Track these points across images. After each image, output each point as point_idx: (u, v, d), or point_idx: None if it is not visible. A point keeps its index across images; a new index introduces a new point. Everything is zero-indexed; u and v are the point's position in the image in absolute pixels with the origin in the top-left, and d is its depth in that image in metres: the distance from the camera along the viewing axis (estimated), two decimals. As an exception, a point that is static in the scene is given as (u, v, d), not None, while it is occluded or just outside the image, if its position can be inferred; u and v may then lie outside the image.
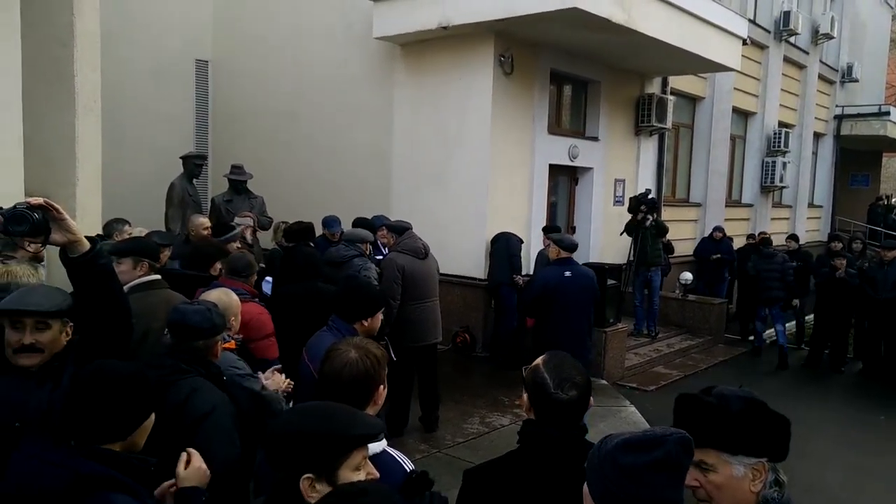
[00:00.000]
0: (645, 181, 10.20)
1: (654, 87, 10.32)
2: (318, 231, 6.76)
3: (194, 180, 7.67)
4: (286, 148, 9.52)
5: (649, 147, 10.53)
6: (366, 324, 3.15)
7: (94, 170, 5.71)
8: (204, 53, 10.36)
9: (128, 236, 5.35)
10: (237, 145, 9.86)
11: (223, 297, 3.23)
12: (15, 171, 4.66)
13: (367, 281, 4.97)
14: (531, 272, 7.84)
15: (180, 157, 7.67)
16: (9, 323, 2.21)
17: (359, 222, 6.82)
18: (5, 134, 4.51)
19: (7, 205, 2.09)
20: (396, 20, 8.08)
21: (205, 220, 6.31)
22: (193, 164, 7.62)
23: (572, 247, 5.73)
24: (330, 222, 7.14)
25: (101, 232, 5.51)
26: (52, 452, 1.70)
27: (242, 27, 10.12)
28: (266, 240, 7.53)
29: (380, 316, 3.26)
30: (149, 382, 1.89)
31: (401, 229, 5.70)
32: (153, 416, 1.91)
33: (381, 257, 6.15)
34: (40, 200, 2.10)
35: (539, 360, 2.02)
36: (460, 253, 8.05)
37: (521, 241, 7.93)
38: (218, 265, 4.91)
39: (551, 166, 8.80)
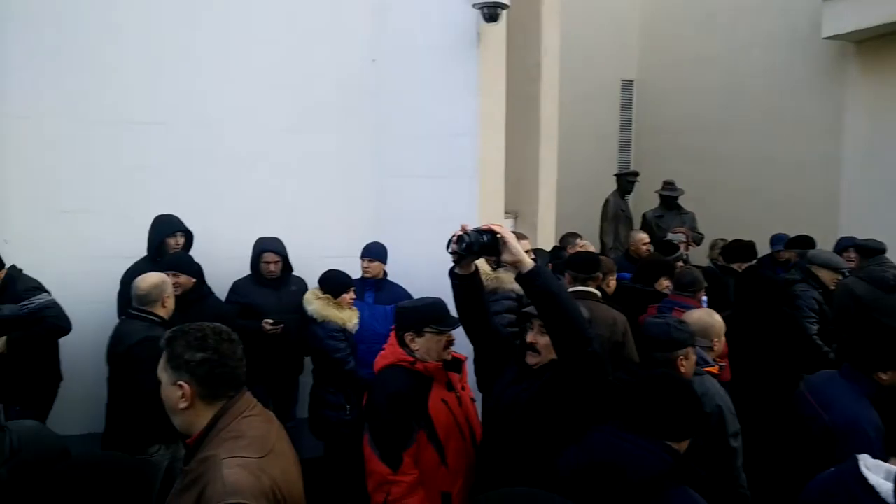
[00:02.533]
0: None
1: None
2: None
3: (626, 196, 8.01)
4: (716, 162, 9.25)
5: None
6: (885, 377, 2.73)
7: (551, 189, 6.39)
8: (629, 73, 10.76)
9: (580, 248, 5.80)
10: (660, 161, 9.96)
11: (705, 317, 3.28)
12: (499, 198, 5.46)
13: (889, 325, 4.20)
14: None
15: (614, 175, 8.10)
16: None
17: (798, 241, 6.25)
18: (495, 168, 5.32)
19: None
20: (851, 16, 7.21)
21: (644, 236, 6.55)
22: (626, 181, 7.97)
23: None
24: (777, 240, 6.73)
25: (557, 244, 6.14)
26: (642, 439, 1.93)
27: (670, 46, 10.22)
28: (698, 256, 7.45)
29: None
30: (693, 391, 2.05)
31: (871, 250, 5.01)
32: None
33: None
34: (489, 225, 2.33)
35: None
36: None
37: None
38: (665, 282, 5.04)
39: None
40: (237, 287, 4.69)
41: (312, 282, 4.63)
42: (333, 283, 4.45)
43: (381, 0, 5.25)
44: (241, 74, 5.03)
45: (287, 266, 4.72)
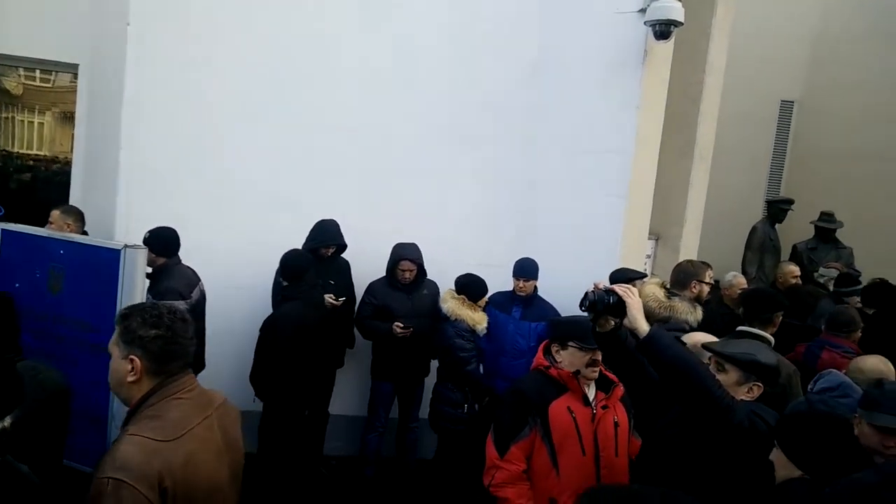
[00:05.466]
0: None
1: None
2: None
3: (776, 225, 7.59)
4: (880, 195, 8.54)
5: None
6: None
7: (698, 213, 6.20)
8: (791, 93, 10.14)
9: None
10: (816, 190, 9.33)
11: (880, 365, 3.09)
12: (645, 219, 5.35)
13: None
14: None
15: (766, 201, 7.69)
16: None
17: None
18: (645, 188, 5.22)
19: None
20: None
21: (794, 269, 6.21)
22: (778, 209, 7.56)
23: None
24: None
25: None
26: None
27: (841, 64, 9.52)
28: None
29: None
30: None
31: None
32: None
33: None
34: (617, 287, 2.39)
35: None
36: None
37: None
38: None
39: None
40: (372, 289, 4.89)
41: (446, 288, 4.77)
42: (472, 287, 4.59)
43: (549, 9, 5.25)
44: (402, 82, 5.21)
45: (421, 271, 4.84)
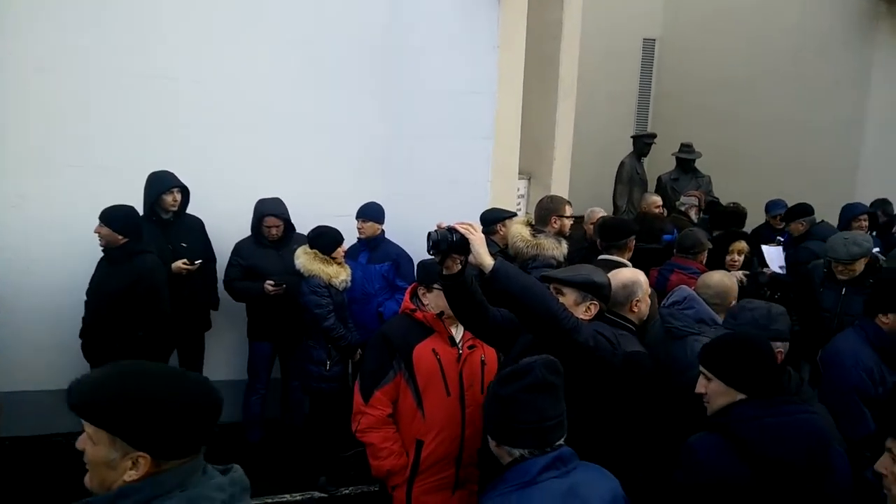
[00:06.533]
0: None
1: None
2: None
3: (643, 159, 7.93)
4: (737, 125, 9.08)
5: None
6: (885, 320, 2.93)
7: (567, 151, 6.34)
8: (652, 32, 10.51)
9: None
10: (679, 123, 9.81)
11: (724, 279, 3.29)
12: (513, 159, 5.42)
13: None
14: None
15: (631, 137, 8.00)
16: None
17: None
18: (512, 128, 5.26)
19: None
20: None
21: (657, 199, 6.50)
22: (643, 143, 7.89)
23: None
24: (773, 206, 6.68)
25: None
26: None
27: (696, 3, 9.94)
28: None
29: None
30: None
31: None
32: None
33: None
34: (459, 225, 2.32)
35: None
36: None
37: None
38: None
39: None
40: (239, 249, 4.70)
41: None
42: (323, 239, 4.37)
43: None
44: (253, 28, 4.93)
45: (289, 226, 4.68)
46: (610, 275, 2.80)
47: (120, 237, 3.98)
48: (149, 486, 1.38)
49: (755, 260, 5.54)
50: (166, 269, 4.29)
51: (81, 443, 1.44)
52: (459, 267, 2.40)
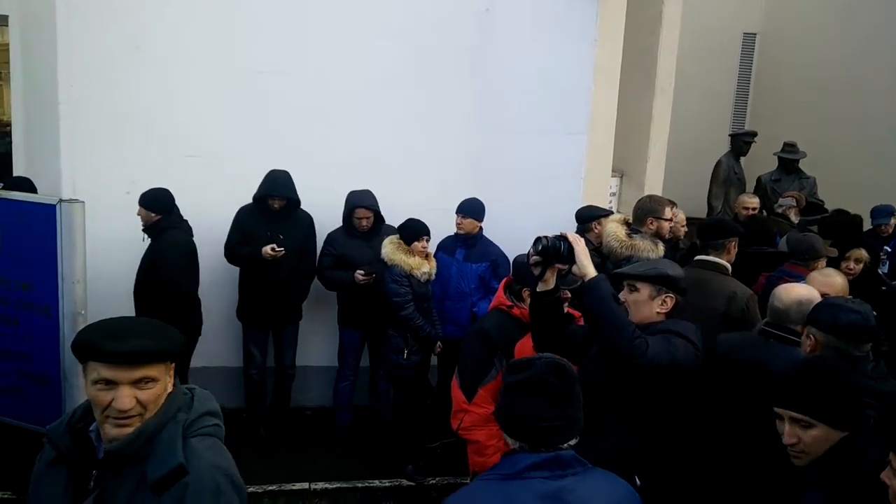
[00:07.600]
0: None
1: None
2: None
3: (741, 158, 7.60)
4: (844, 125, 8.55)
5: None
6: None
7: (662, 147, 6.16)
8: (753, 27, 10.06)
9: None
10: (779, 122, 9.34)
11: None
12: (607, 156, 5.29)
13: None
14: None
15: (729, 135, 7.68)
16: None
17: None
18: (606, 124, 5.12)
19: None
20: None
21: (749, 200, 6.23)
22: (742, 142, 7.56)
23: None
24: (879, 213, 6.17)
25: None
26: None
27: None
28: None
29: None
30: None
31: None
32: None
33: None
34: (566, 234, 2.40)
35: None
36: None
37: None
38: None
39: None
40: (331, 239, 4.79)
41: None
42: (406, 230, 4.43)
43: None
44: (341, 23, 4.97)
45: (379, 217, 4.73)
46: (783, 289, 2.79)
47: (153, 215, 4.34)
48: None
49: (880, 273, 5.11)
50: (191, 246, 4.51)
51: None
52: (554, 284, 2.43)
